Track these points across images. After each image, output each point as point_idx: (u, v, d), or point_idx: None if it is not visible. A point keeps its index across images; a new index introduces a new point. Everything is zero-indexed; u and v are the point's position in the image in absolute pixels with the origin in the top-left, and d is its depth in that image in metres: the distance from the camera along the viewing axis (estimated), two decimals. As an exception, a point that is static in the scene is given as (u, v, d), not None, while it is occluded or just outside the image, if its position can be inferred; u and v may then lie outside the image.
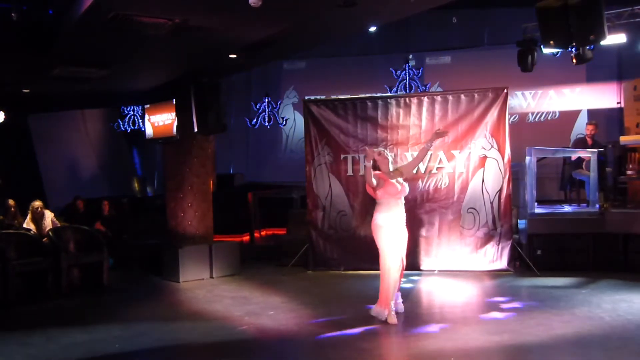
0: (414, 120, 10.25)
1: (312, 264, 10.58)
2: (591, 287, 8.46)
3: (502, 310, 7.47)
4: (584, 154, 10.50)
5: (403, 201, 7.09)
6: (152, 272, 10.84)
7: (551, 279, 9.04)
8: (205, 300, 8.72)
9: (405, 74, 14.30)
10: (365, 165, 7.05)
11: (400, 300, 7.32)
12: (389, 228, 6.91)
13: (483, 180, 9.91)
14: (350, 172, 10.43)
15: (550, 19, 7.72)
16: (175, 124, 10.69)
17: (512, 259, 9.85)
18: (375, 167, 7.02)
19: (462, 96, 10.11)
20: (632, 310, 7.09)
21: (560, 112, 15.01)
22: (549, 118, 15.10)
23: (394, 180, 6.97)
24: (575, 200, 10.98)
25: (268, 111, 15.46)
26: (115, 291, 9.69)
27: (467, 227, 9.96)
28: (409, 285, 9.03)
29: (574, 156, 10.81)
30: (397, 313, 7.00)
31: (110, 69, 9.50)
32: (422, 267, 10.05)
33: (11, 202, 11.05)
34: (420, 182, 10.09)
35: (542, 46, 9.74)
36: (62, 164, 16.74)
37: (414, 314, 7.22)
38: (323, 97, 13.79)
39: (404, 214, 7.09)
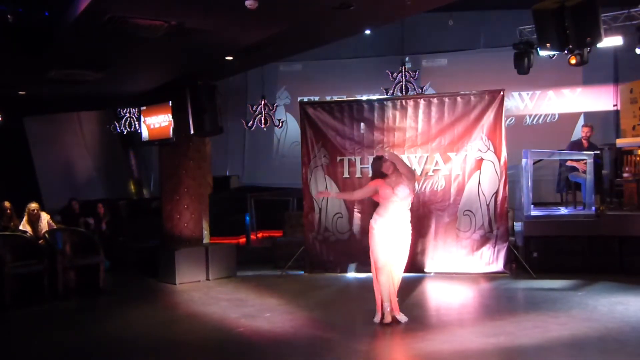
0: (410, 122, 10.26)
1: (308, 267, 10.57)
2: (587, 289, 8.46)
3: (498, 312, 7.46)
4: (580, 156, 10.51)
5: (404, 204, 6.83)
6: (148, 274, 10.82)
7: (547, 281, 9.03)
8: (201, 302, 8.71)
9: (402, 76, 14.26)
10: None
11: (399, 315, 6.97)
12: (381, 230, 6.82)
13: (479, 183, 9.91)
14: (346, 175, 10.41)
15: (546, 22, 7.75)
16: (172, 126, 10.68)
17: (508, 262, 9.85)
18: (380, 171, 6.89)
19: (459, 98, 10.12)
20: (628, 313, 7.08)
21: (559, 115, 15.02)
22: (547, 120, 15.12)
23: (390, 185, 6.80)
24: (572, 203, 10.98)
25: (264, 113, 15.42)
26: (111, 293, 9.67)
27: (463, 229, 9.96)
28: (405, 287, 9.04)
29: (569, 162, 10.81)
30: (398, 322, 6.84)
31: (106, 71, 9.50)
32: (418, 270, 10.05)
33: (7, 204, 11.02)
34: (416, 184, 10.09)
35: (538, 49, 9.76)
36: (58, 166, 16.69)
37: (410, 316, 7.20)
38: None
39: (405, 218, 6.87)
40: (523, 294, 8.63)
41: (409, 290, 8.94)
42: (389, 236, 6.83)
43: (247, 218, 13.61)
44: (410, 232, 7.01)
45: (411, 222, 6.99)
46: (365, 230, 10.01)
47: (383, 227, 6.83)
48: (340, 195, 6.95)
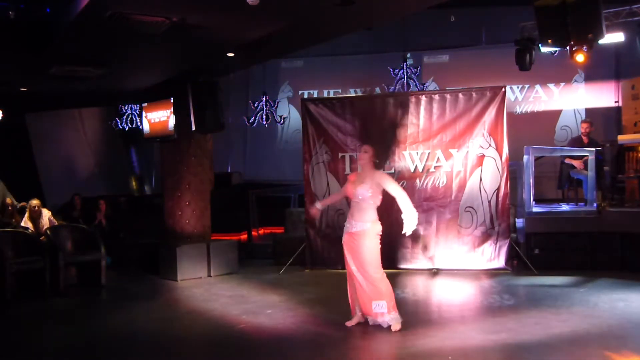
0: (411, 118, 10.26)
1: (310, 263, 10.58)
2: (589, 286, 8.46)
3: (499, 309, 7.47)
4: (581, 153, 10.50)
5: (361, 205, 6.53)
6: (149, 270, 10.83)
7: (549, 277, 9.04)
8: (202, 298, 8.72)
9: (403, 73, 14.25)
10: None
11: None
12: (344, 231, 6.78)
13: (481, 179, 9.91)
14: (348, 171, 10.40)
15: (548, 18, 7.74)
16: (171, 120, 10.67)
17: (509, 258, 9.86)
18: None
19: (460, 95, 10.11)
20: (630, 309, 7.10)
21: (561, 111, 15.01)
22: (548, 117, 15.09)
23: (355, 184, 6.61)
24: (573, 199, 10.98)
25: (266, 110, 15.44)
26: (112, 290, 9.69)
27: (464, 225, 9.97)
28: (406, 284, 9.06)
29: (568, 159, 10.80)
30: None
31: (107, 68, 9.49)
32: (419, 266, 10.06)
33: (9, 200, 11.03)
34: (418, 180, 10.10)
35: (540, 45, 9.74)
36: (60, 162, 16.69)
37: (411, 312, 7.21)
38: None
39: (354, 219, 6.58)
40: (524, 290, 8.63)
41: (409, 286, 8.96)
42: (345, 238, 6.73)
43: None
44: (370, 235, 6.53)
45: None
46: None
47: (346, 228, 6.72)
48: (326, 202, 7.13)
